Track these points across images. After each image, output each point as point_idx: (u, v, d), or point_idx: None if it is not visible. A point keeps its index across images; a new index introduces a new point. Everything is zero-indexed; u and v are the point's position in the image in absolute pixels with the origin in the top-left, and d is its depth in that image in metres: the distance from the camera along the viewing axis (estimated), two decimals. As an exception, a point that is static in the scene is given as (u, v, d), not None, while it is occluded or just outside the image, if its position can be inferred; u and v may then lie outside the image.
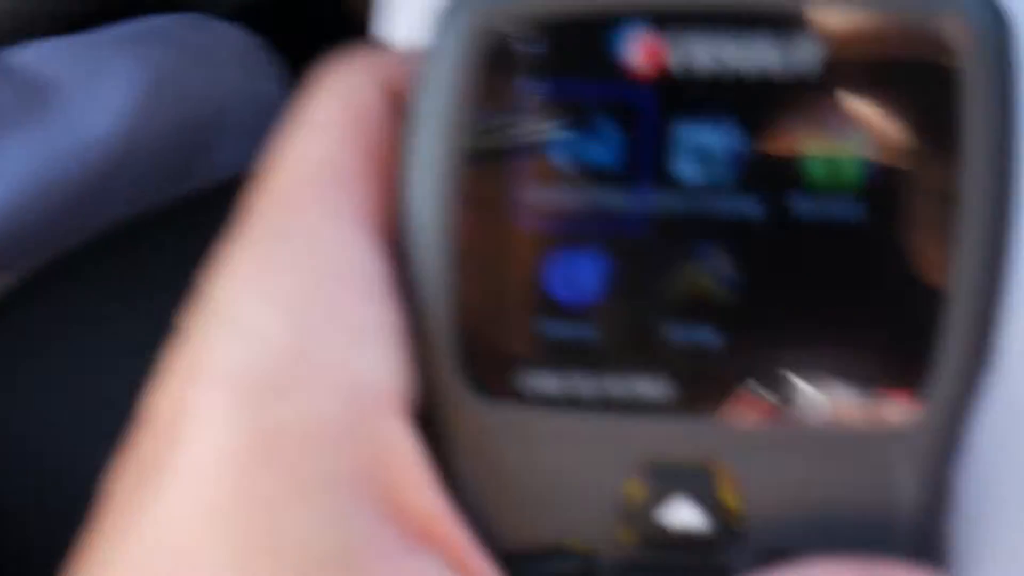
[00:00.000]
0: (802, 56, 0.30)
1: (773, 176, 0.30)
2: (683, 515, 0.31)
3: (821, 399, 0.30)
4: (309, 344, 0.30)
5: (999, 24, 0.29)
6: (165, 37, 0.81)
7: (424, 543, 0.30)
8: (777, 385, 0.31)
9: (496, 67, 0.31)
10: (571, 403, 0.31)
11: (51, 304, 0.69)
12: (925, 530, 0.31)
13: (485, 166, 0.31)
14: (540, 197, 0.31)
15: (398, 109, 0.32)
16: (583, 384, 0.31)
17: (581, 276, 0.31)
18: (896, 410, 0.30)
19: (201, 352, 0.30)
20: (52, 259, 0.72)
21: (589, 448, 0.31)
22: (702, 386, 0.31)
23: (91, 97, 0.75)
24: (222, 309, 0.30)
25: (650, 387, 0.31)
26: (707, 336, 0.31)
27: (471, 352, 0.31)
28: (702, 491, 0.31)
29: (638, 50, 0.30)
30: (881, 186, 0.30)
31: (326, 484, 0.29)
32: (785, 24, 0.30)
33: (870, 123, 0.30)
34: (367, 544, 0.29)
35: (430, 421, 0.31)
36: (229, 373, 0.30)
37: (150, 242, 0.71)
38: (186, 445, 0.30)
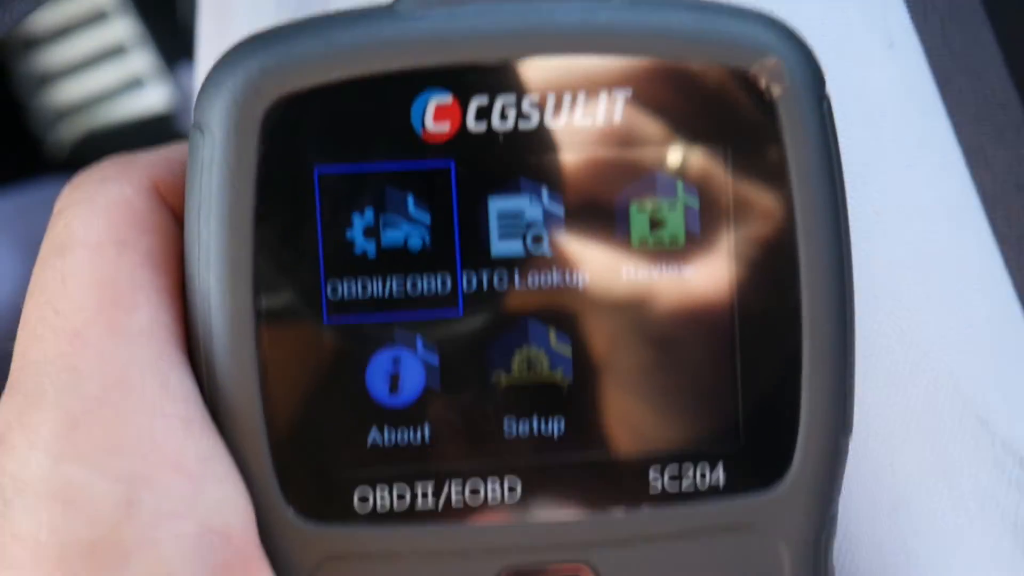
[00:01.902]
0: (615, 109, 0.29)
1: (594, 240, 0.30)
2: None
3: (680, 477, 0.30)
4: (140, 496, 0.27)
5: (811, 62, 0.30)
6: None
7: None
8: (632, 471, 0.30)
9: (276, 145, 0.29)
10: (413, 518, 0.30)
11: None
12: None
13: (280, 262, 0.29)
14: (346, 291, 0.30)
15: (178, 207, 0.30)
16: (423, 494, 0.30)
17: (403, 374, 0.30)
18: (762, 479, 0.30)
19: (4, 535, 0.27)
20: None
21: (442, 565, 0.30)
22: (551, 482, 0.30)
23: None
24: (20, 480, 0.27)
25: (496, 488, 0.30)
26: (549, 425, 0.30)
27: (295, 474, 0.29)
28: None
29: (433, 117, 0.29)
30: (712, 237, 0.30)
31: None
32: (589, 79, 0.29)
33: (692, 171, 0.30)
34: None
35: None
36: (44, 546, 0.27)
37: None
38: None
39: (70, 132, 0.91)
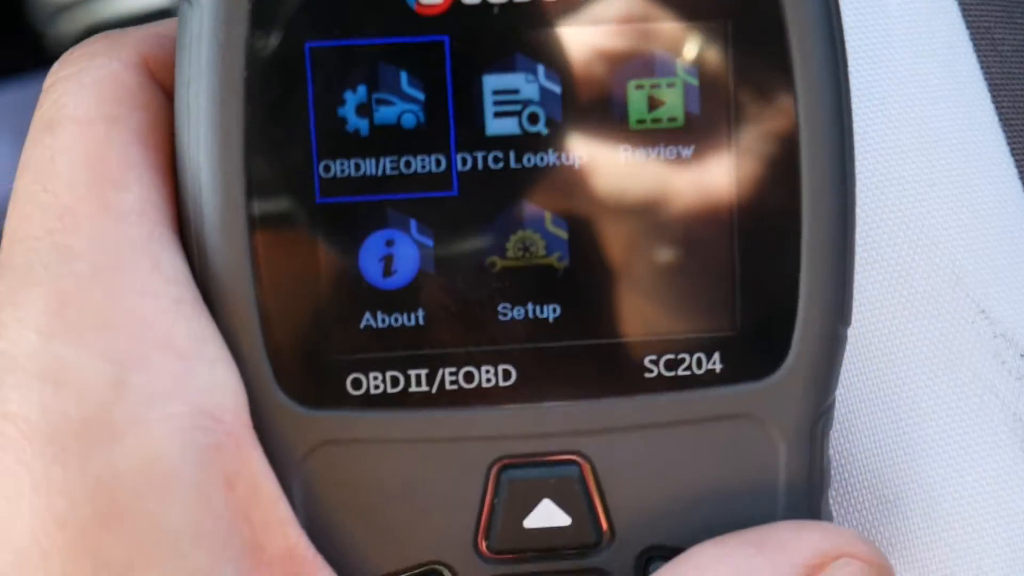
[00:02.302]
0: None
1: (591, 119, 0.29)
2: (547, 519, 0.30)
3: (676, 364, 0.30)
4: (130, 376, 0.27)
5: None
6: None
7: None
8: (628, 357, 0.30)
9: (266, 18, 0.28)
10: (407, 402, 0.29)
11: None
12: (807, 508, 0.30)
13: (271, 139, 0.29)
14: (338, 170, 0.29)
15: (168, 83, 0.29)
16: (416, 379, 0.29)
17: (397, 255, 0.29)
18: (758, 368, 0.30)
19: None
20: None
21: (435, 452, 0.29)
22: (546, 368, 0.29)
23: None
24: (11, 357, 0.27)
25: (490, 374, 0.29)
26: (544, 310, 0.29)
27: (287, 357, 0.29)
28: (565, 489, 0.30)
29: None
30: (711, 116, 0.29)
31: (185, 540, 0.27)
32: None
33: (691, 49, 0.29)
34: None
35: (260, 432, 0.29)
36: (35, 425, 0.27)
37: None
38: None
39: (71, 25, 0.90)
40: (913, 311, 0.35)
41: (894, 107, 0.35)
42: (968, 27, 0.36)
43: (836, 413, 0.32)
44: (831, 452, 0.32)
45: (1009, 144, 0.36)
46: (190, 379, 0.28)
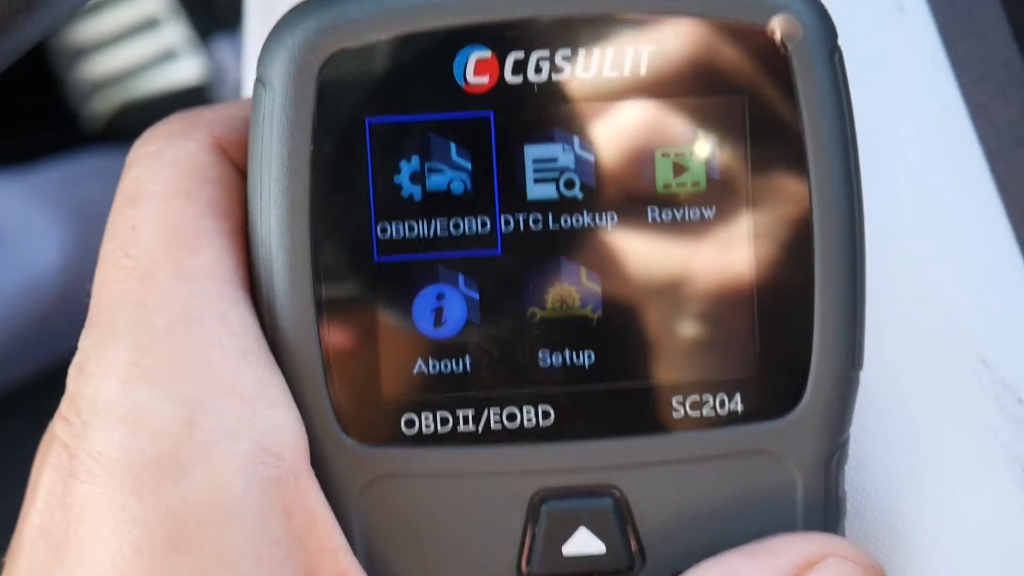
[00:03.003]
0: (641, 63, 0.32)
1: (622, 184, 0.32)
2: (584, 546, 0.32)
3: (701, 405, 0.32)
4: (199, 417, 0.30)
5: (824, 18, 0.32)
6: (99, 174, 0.83)
7: None
8: (657, 399, 0.32)
9: (330, 97, 0.31)
10: (455, 440, 0.32)
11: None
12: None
13: (335, 205, 0.32)
14: (394, 231, 0.32)
15: (238, 160, 0.32)
16: (464, 419, 0.32)
17: (447, 308, 0.32)
18: (776, 408, 0.32)
19: (78, 450, 0.30)
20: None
21: (481, 485, 0.32)
22: (582, 409, 0.32)
23: (37, 234, 0.77)
24: (96, 402, 0.30)
25: (531, 414, 0.32)
26: (580, 357, 0.32)
27: (347, 400, 0.32)
28: (600, 518, 0.32)
29: (474, 71, 0.32)
30: (731, 181, 0.32)
31: (246, 564, 0.30)
32: (617, 35, 0.32)
33: (711, 121, 0.32)
34: None
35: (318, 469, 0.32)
36: (116, 461, 0.30)
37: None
38: (78, 551, 0.30)
39: (105, 104, 0.92)
40: (920, 360, 0.38)
41: (899, 170, 0.38)
42: (966, 103, 0.39)
43: (852, 451, 0.34)
44: (847, 486, 0.34)
45: (1005, 209, 0.38)
46: (253, 420, 0.31)
